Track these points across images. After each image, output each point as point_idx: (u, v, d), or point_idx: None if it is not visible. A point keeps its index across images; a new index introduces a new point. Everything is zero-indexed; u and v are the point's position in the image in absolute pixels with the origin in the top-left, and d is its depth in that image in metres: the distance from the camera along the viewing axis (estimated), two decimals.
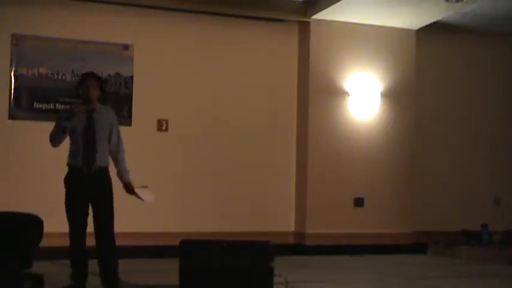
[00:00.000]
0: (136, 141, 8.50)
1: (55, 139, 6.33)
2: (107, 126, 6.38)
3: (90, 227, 6.30)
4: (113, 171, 6.44)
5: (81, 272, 6.27)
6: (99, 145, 6.29)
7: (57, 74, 8.83)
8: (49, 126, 6.40)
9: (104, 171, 6.34)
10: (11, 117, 8.69)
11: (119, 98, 8.99)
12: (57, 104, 8.76)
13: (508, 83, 11.32)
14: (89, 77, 6.46)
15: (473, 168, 11.03)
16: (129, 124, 8.97)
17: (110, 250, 6.32)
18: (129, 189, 6.47)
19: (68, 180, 6.33)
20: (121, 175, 6.43)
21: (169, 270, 6.85)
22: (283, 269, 6.79)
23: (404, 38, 10.30)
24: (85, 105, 6.33)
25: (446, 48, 10.87)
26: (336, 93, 9.93)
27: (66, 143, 6.37)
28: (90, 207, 6.32)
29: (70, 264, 6.33)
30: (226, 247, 6.09)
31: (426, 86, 10.66)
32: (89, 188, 6.25)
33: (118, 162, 6.42)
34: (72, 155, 6.32)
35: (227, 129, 9.62)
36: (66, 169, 6.35)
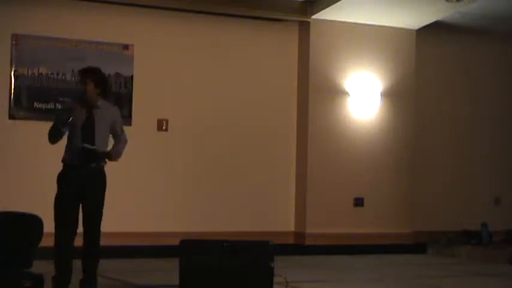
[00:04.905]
0: (136, 141, 8.45)
1: (53, 138, 6.15)
2: (107, 125, 6.15)
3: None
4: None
5: (66, 273, 6.06)
6: (98, 143, 6.06)
7: (57, 74, 8.84)
8: (49, 126, 6.26)
9: (101, 171, 6.16)
10: (11, 117, 8.69)
11: (119, 98, 8.99)
12: (57, 104, 8.75)
13: (508, 83, 11.32)
14: (83, 73, 6.23)
15: (473, 168, 11.03)
16: (129, 124, 8.96)
17: (95, 249, 6.14)
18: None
19: (62, 178, 6.12)
20: (110, 154, 6.15)
21: (169, 270, 6.86)
22: (283, 269, 6.79)
23: (404, 38, 10.30)
24: (84, 102, 6.09)
25: (446, 48, 10.86)
26: (336, 93, 9.93)
27: (64, 141, 6.18)
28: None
29: (56, 265, 6.08)
30: (226, 247, 6.09)
31: (426, 86, 10.66)
32: (83, 187, 6.04)
33: (116, 144, 6.24)
34: (68, 152, 6.12)
35: (227, 129, 9.62)
36: (61, 166, 6.14)
